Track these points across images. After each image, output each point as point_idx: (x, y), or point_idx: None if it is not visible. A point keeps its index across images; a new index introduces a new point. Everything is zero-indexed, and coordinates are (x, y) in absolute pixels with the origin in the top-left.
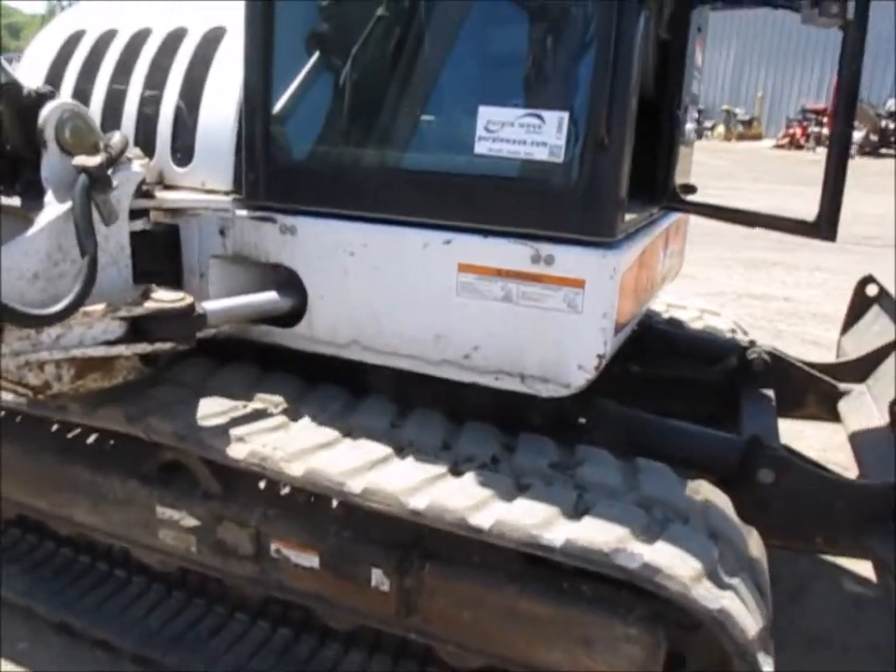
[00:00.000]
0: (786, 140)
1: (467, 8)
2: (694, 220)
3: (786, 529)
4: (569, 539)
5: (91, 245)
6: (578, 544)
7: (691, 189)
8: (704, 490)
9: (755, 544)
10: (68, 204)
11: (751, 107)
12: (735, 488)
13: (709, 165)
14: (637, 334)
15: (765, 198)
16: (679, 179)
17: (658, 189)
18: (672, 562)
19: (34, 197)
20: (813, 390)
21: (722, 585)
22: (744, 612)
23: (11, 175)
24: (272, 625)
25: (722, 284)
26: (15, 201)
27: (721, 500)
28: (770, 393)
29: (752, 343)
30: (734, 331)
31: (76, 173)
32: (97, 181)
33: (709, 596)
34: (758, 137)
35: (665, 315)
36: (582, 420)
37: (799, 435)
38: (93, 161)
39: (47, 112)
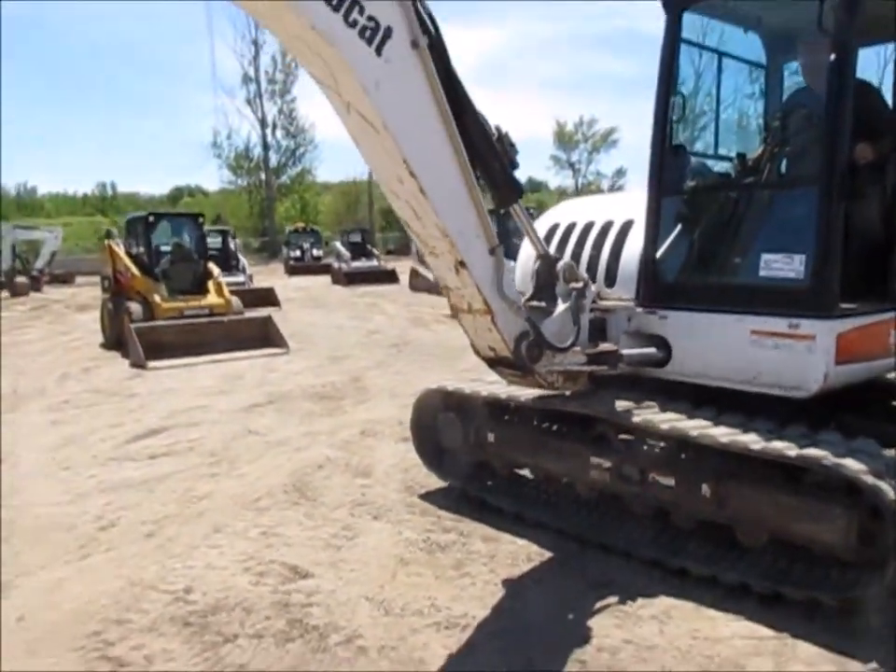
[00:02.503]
0: None
1: (752, 208)
2: None
3: None
4: (800, 454)
5: (579, 322)
6: (805, 455)
7: None
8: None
9: None
10: (567, 304)
11: None
12: None
13: None
14: None
15: None
16: None
17: (886, 290)
18: (853, 465)
19: (551, 301)
20: None
21: (882, 480)
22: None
23: (541, 293)
24: (642, 526)
25: None
26: (542, 304)
27: None
28: None
29: None
30: None
31: (570, 291)
32: (580, 295)
33: (870, 481)
34: None
35: None
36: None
37: None
38: (579, 285)
39: (560, 265)
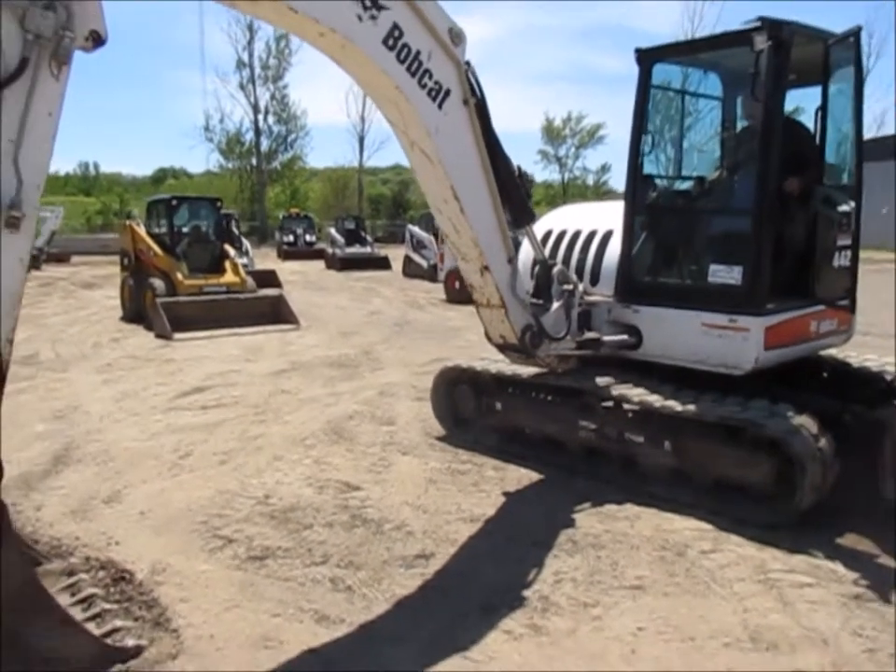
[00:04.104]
0: None
1: (704, 228)
2: None
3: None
4: (734, 416)
5: (570, 316)
6: (737, 417)
7: (842, 296)
8: (803, 417)
9: (827, 439)
10: (561, 302)
11: None
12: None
13: None
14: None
15: None
16: (839, 290)
17: (808, 292)
18: (775, 425)
19: (548, 299)
20: None
21: (795, 434)
22: (803, 446)
23: (539, 292)
24: (617, 469)
25: None
26: (540, 302)
27: (811, 421)
28: None
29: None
30: None
31: (563, 291)
32: (571, 295)
33: (786, 437)
34: None
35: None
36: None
37: None
38: (570, 287)
39: (554, 271)
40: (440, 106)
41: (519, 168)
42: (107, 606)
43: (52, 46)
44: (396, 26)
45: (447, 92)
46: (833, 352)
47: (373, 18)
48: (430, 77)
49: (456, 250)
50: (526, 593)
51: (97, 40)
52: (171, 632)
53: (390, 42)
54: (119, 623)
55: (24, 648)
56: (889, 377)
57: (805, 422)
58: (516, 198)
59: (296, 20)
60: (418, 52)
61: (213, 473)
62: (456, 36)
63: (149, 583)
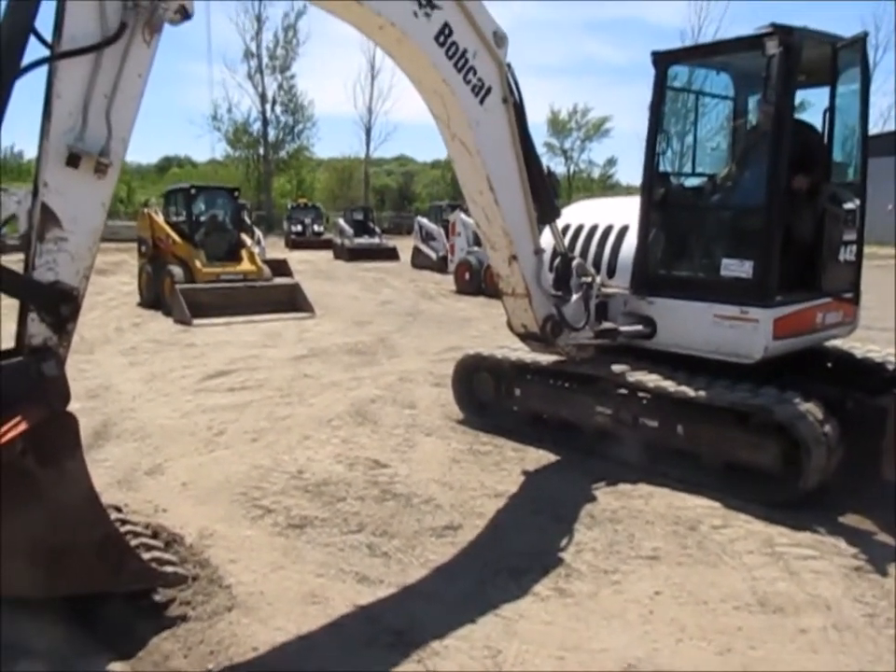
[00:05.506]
0: None
1: (717, 223)
2: None
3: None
4: (745, 402)
5: (588, 307)
6: (748, 402)
7: (847, 290)
8: (809, 404)
9: (832, 424)
10: (580, 294)
11: None
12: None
13: None
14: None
15: None
16: (844, 284)
17: (815, 285)
18: (783, 411)
19: (567, 291)
20: None
21: (802, 419)
22: (809, 431)
23: (559, 284)
24: (632, 450)
25: None
26: (558, 293)
27: (816, 408)
28: None
29: None
30: None
31: (582, 284)
32: (589, 286)
33: (794, 422)
34: None
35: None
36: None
37: None
38: (588, 280)
39: (574, 263)
40: (481, 102)
41: (548, 168)
42: (146, 541)
43: (147, 14)
44: (446, 25)
45: (489, 90)
46: (837, 343)
47: (427, 15)
48: (475, 73)
49: (487, 240)
50: (550, 560)
51: (184, 14)
52: (224, 588)
53: (441, 39)
54: (156, 553)
55: (75, 561)
56: (890, 367)
57: (811, 408)
58: (544, 195)
59: (360, 13)
60: (465, 50)
61: (247, 450)
62: (500, 39)
63: (199, 546)
